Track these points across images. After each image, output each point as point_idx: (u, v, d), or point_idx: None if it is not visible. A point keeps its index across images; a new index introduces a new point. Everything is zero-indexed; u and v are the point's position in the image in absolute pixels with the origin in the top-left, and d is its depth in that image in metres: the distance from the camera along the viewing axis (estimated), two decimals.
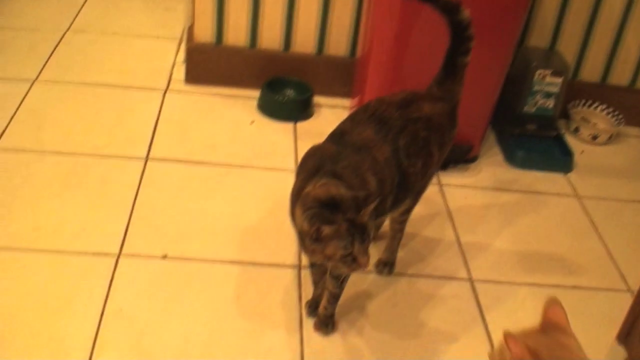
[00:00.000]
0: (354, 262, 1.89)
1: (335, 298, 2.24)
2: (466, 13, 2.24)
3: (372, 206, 1.89)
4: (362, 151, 2.09)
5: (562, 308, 1.54)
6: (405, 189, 2.24)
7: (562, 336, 1.55)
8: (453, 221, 2.84)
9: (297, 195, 2.00)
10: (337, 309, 2.30)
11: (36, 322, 2.17)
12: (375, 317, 2.38)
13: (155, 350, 2.14)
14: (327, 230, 1.85)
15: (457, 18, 2.25)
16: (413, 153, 2.19)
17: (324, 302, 2.26)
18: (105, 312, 2.23)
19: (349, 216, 1.86)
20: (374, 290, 2.48)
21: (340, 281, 2.19)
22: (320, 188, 1.92)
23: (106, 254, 2.44)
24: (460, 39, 2.30)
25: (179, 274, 2.42)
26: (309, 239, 1.91)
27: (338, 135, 2.18)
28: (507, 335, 1.41)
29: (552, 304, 1.56)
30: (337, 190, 1.91)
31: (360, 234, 1.87)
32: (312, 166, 2.04)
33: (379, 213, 2.18)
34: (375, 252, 2.57)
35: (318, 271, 2.27)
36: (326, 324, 2.28)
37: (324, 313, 2.27)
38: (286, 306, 2.36)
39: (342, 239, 1.86)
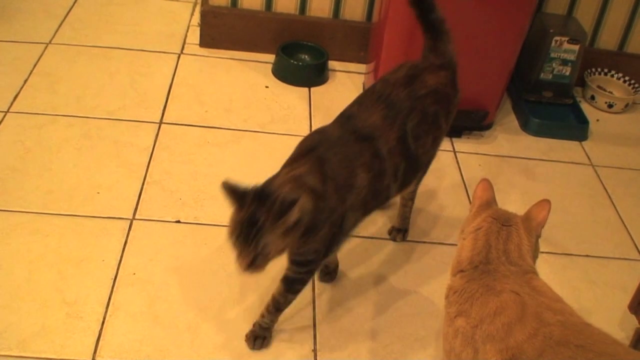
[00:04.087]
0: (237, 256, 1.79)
1: (276, 308, 2.08)
2: None
3: (291, 219, 1.75)
4: (365, 142, 2.00)
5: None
6: (414, 170, 2.20)
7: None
8: (467, 188, 2.83)
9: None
10: (349, 274, 2.31)
11: (49, 285, 2.18)
12: (386, 284, 2.38)
13: (168, 315, 2.15)
14: (231, 204, 1.80)
15: None
16: (423, 132, 2.13)
17: (262, 310, 2.10)
18: (118, 276, 2.24)
19: (252, 209, 1.75)
20: (387, 257, 2.48)
21: (286, 291, 2.05)
22: (285, 179, 1.85)
23: (120, 218, 2.45)
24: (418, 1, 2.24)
25: (192, 239, 2.42)
26: None
27: (345, 118, 2.08)
28: (484, 179, 1.83)
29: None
30: (288, 192, 1.79)
31: (246, 231, 1.75)
32: (306, 145, 1.99)
33: (378, 203, 2.12)
34: (387, 219, 2.57)
35: None
36: (255, 338, 2.11)
37: (260, 323, 2.11)
38: None
39: (230, 224, 1.79)
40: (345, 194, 1.94)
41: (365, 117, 2.05)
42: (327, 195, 1.88)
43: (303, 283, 2.05)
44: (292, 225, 1.77)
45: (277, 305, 2.07)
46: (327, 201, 1.88)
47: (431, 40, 2.27)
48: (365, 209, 2.07)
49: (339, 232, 1.98)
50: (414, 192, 2.47)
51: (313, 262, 1.98)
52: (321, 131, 2.05)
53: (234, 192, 1.80)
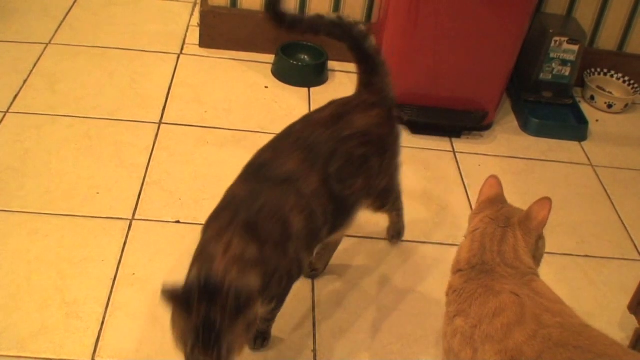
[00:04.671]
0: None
1: (266, 319, 2.04)
2: (331, 15, 2.05)
3: (254, 314, 1.63)
4: (284, 185, 1.84)
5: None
6: (343, 214, 2.02)
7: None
8: (466, 188, 2.83)
9: (200, 251, 1.78)
10: (349, 275, 2.31)
11: (49, 286, 2.18)
12: (386, 284, 2.38)
13: (168, 315, 2.14)
14: (173, 310, 1.63)
15: (324, 19, 2.05)
16: (349, 175, 1.96)
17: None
18: (118, 276, 2.24)
19: (203, 311, 1.57)
20: (386, 257, 2.48)
21: (272, 310, 1.99)
22: (226, 263, 1.67)
23: (119, 218, 2.45)
24: (343, 30, 2.06)
25: (192, 239, 2.41)
26: None
27: (255, 170, 1.91)
28: (492, 176, 1.81)
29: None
30: (236, 278, 1.64)
31: (204, 339, 1.57)
32: (225, 216, 1.80)
33: (312, 247, 1.98)
34: (384, 220, 2.57)
35: None
36: (255, 338, 2.08)
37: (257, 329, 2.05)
38: None
39: (180, 334, 1.62)
40: (286, 247, 1.82)
41: (281, 163, 1.89)
42: (267, 259, 1.75)
43: (282, 303, 1.98)
44: (254, 318, 1.65)
45: (267, 318, 2.03)
46: (269, 264, 1.76)
47: (365, 74, 2.13)
48: (310, 249, 1.97)
49: (294, 277, 1.91)
50: (399, 201, 2.39)
51: (281, 294, 1.93)
52: (233, 195, 1.87)
53: (176, 297, 1.61)
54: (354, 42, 2.07)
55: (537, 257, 1.72)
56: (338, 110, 2.04)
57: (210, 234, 1.78)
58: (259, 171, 1.89)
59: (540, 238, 1.72)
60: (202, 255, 1.74)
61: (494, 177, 1.83)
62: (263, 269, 1.73)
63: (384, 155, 2.10)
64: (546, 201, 1.69)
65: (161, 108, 3.01)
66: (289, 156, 1.89)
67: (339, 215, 2.00)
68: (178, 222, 2.47)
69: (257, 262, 1.72)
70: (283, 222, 1.81)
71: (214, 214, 1.85)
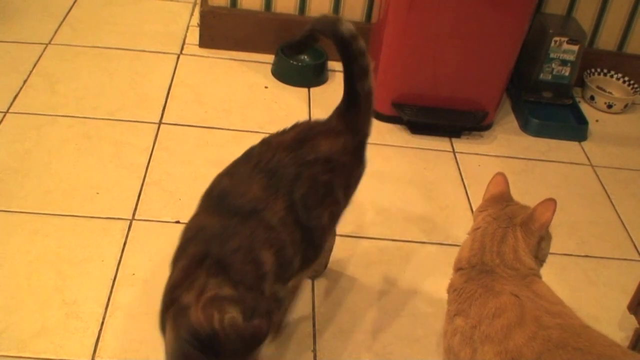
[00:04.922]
0: None
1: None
2: (347, 25, 1.89)
3: (261, 346, 1.51)
4: (251, 218, 1.71)
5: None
6: (313, 245, 1.87)
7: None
8: (466, 189, 2.83)
9: (170, 297, 1.63)
10: (348, 275, 2.33)
11: (49, 286, 2.18)
12: (386, 284, 2.38)
13: None
14: None
15: (337, 31, 1.90)
16: (315, 204, 1.83)
17: None
18: (117, 276, 2.24)
19: None
20: (386, 257, 2.48)
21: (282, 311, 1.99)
22: (203, 311, 1.51)
23: (119, 219, 2.45)
24: (347, 56, 1.94)
25: None
26: None
27: (218, 200, 1.80)
28: (498, 173, 1.84)
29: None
30: (223, 319, 1.49)
31: None
32: (195, 253, 1.67)
33: (286, 278, 1.84)
34: (392, 220, 2.57)
35: None
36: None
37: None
38: None
39: None
40: (261, 287, 1.69)
41: (243, 191, 1.77)
42: (243, 300, 1.61)
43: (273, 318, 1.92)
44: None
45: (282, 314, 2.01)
46: (247, 304, 1.61)
47: (346, 103, 2.00)
48: (285, 282, 1.84)
49: (274, 314, 1.83)
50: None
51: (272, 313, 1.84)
52: (200, 227, 1.75)
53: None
54: (351, 73, 1.96)
55: (540, 257, 1.72)
56: (302, 133, 1.93)
57: (178, 273, 1.67)
58: (222, 201, 1.78)
59: (544, 239, 1.72)
60: (173, 305, 1.60)
61: (501, 174, 1.83)
62: (241, 308, 1.59)
63: (349, 189, 1.98)
64: (551, 202, 1.68)
65: (161, 108, 3.01)
66: (250, 182, 1.79)
67: (308, 246, 1.85)
68: (178, 222, 2.47)
69: (234, 300, 1.59)
70: (256, 263, 1.69)
71: (181, 247, 1.74)
